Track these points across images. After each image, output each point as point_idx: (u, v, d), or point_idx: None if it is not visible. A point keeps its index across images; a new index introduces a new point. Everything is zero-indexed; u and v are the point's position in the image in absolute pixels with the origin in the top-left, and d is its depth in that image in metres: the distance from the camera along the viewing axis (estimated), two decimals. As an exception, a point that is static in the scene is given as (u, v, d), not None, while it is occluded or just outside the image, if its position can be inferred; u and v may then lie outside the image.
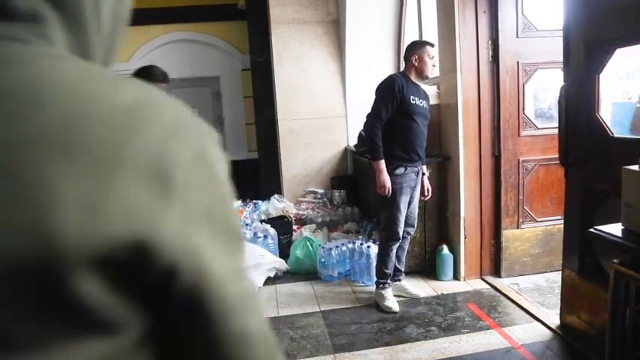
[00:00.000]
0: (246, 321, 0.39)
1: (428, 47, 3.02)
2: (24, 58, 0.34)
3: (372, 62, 5.36)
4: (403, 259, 3.28)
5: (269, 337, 0.42)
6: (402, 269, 3.29)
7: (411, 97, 2.96)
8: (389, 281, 3.17)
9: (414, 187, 3.10)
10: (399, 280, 3.28)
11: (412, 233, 3.25)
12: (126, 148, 0.33)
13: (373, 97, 3.12)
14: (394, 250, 3.11)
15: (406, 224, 3.10)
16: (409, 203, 3.08)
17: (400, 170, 2.99)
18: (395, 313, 3.03)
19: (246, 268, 0.42)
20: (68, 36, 0.39)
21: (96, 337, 0.34)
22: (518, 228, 3.43)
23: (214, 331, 0.37)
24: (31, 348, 0.32)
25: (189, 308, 0.36)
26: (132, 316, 0.35)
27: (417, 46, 3.05)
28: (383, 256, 3.12)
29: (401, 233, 3.07)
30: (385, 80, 3.07)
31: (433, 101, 3.79)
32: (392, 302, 3.09)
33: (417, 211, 3.21)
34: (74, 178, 0.31)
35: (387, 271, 3.12)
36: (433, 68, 3.08)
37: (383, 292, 3.13)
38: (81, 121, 0.32)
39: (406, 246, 3.28)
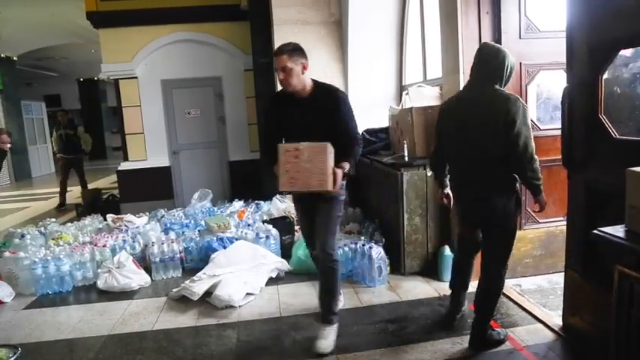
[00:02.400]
0: (521, 137, 2.31)
1: None
2: (492, 92, 2.41)
3: (374, 63, 5.36)
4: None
5: (529, 145, 2.34)
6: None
7: None
8: None
9: None
10: None
11: None
12: (506, 104, 2.34)
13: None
14: None
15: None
16: None
17: None
18: None
19: (529, 133, 2.35)
20: (501, 84, 2.44)
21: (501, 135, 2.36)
22: (520, 229, 3.41)
23: (514, 135, 2.31)
24: (491, 142, 2.39)
25: (509, 132, 2.32)
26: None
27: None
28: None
29: None
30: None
31: (436, 102, 3.80)
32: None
33: None
34: (500, 110, 2.35)
35: None
36: None
37: None
38: (498, 100, 2.36)
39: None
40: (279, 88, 2.76)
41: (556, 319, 2.79)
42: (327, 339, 2.67)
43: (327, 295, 2.78)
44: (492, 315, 2.65)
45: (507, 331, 2.71)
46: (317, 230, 2.74)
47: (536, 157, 2.37)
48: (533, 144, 2.36)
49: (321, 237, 2.70)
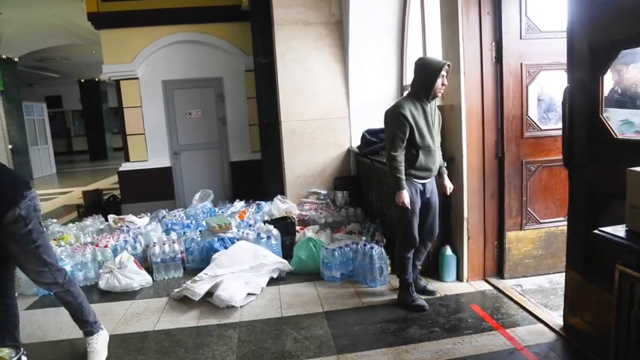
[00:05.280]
0: (387, 140, 3.05)
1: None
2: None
3: (375, 64, 5.36)
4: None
5: (387, 147, 3.02)
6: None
7: None
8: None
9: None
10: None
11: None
12: (392, 110, 2.98)
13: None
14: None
15: None
16: None
17: None
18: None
19: (392, 137, 2.95)
20: (412, 93, 2.99)
21: None
22: (521, 229, 3.42)
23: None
24: None
25: None
26: None
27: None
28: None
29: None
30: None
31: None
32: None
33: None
34: None
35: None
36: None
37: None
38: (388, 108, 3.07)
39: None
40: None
41: (557, 319, 2.79)
42: None
43: None
44: (403, 274, 3.15)
45: (426, 304, 3.10)
46: None
47: (392, 155, 2.93)
48: (393, 146, 2.93)
49: None
